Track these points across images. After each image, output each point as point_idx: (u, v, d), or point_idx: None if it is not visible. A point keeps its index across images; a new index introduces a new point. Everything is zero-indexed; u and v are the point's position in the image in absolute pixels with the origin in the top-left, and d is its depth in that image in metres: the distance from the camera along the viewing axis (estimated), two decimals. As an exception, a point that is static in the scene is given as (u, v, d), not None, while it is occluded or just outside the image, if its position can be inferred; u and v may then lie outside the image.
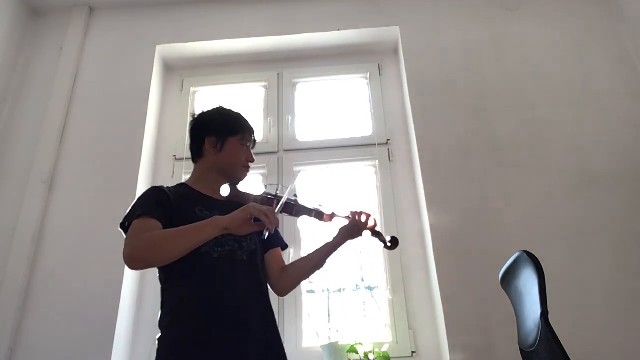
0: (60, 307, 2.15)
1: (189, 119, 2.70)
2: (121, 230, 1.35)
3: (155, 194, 1.40)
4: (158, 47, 2.76)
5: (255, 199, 1.44)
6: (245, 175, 1.55)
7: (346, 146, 2.61)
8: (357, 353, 1.99)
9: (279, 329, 2.02)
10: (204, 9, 2.85)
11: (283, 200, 1.39)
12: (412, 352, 2.14)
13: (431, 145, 2.38)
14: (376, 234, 1.55)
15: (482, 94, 2.51)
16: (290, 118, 2.69)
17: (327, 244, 1.52)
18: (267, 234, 1.24)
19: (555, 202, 2.24)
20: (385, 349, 2.02)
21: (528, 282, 1.31)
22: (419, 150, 2.37)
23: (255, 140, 1.60)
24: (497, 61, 2.59)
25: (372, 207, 2.49)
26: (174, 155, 2.63)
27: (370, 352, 1.99)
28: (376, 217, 1.58)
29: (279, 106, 2.73)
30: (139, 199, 1.39)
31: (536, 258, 1.30)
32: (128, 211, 1.36)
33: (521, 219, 2.20)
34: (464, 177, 2.31)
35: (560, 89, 2.50)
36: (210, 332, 1.26)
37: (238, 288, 1.34)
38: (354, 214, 1.53)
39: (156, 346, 1.30)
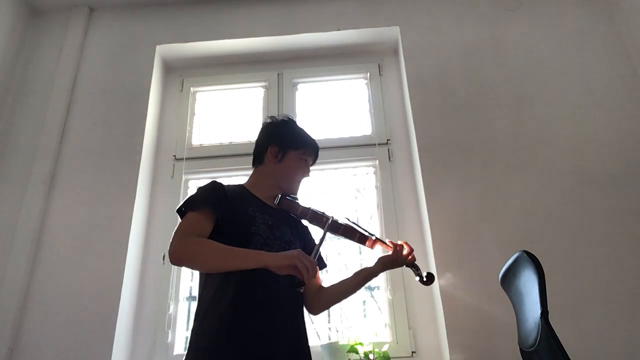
0: (60, 307, 2.15)
1: (189, 119, 2.71)
2: (177, 214, 1.41)
3: (216, 188, 1.44)
4: (158, 47, 2.76)
5: (305, 212, 1.51)
6: (298, 189, 1.60)
7: (346, 146, 2.61)
8: (357, 353, 1.99)
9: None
10: (204, 9, 2.86)
11: (331, 220, 1.48)
12: (412, 352, 2.14)
13: (431, 145, 2.38)
14: (414, 267, 1.57)
15: (482, 94, 2.51)
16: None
17: (364, 270, 1.57)
18: (302, 286, 1.31)
19: (555, 201, 2.24)
20: (385, 349, 2.02)
21: (528, 282, 1.31)
22: (419, 150, 2.37)
23: (316, 159, 1.66)
24: (497, 61, 2.59)
25: (371, 207, 2.50)
26: (174, 155, 2.63)
27: (370, 352, 1.99)
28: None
29: (279, 106, 2.73)
30: (201, 189, 1.44)
31: (536, 258, 1.30)
32: (188, 198, 1.41)
33: (521, 219, 2.20)
34: (464, 177, 2.31)
35: (560, 89, 2.51)
36: (246, 334, 1.28)
37: (279, 294, 1.37)
38: (395, 245, 1.56)
39: (189, 337, 1.33)
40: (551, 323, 1.18)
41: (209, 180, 1.50)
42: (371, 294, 2.34)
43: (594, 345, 1.93)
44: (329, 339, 2.21)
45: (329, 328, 2.30)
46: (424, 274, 1.56)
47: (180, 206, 1.40)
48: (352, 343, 2.01)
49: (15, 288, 2.16)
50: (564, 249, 2.13)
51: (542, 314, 1.19)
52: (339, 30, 2.74)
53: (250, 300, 1.33)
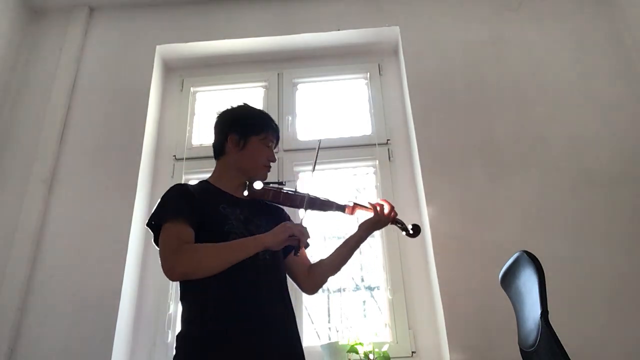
0: (60, 307, 2.15)
1: (189, 119, 2.71)
2: (148, 228, 1.36)
3: (182, 193, 1.39)
4: (158, 47, 2.76)
5: (277, 196, 1.48)
6: (266, 175, 1.55)
7: (346, 146, 2.61)
8: (357, 353, 1.99)
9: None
10: (204, 9, 2.86)
11: (308, 197, 1.45)
12: (412, 352, 2.14)
13: (431, 145, 2.38)
14: (398, 223, 1.57)
15: (482, 94, 2.51)
16: (290, 118, 2.69)
17: (351, 238, 1.56)
18: (299, 250, 1.33)
19: (555, 202, 2.24)
20: (385, 349, 2.02)
21: (528, 282, 1.31)
22: (419, 150, 2.37)
23: (278, 140, 1.61)
24: (497, 61, 2.59)
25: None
26: (174, 155, 2.63)
27: (370, 352, 1.99)
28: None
29: (279, 106, 2.73)
30: (167, 198, 1.38)
31: (536, 258, 1.30)
32: (156, 209, 1.36)
33: (521, 219, 2.20)
34: (463, 177, 2.31)
35: (560, 89, 2.51)
36: (233, 330, 1.27)
37: (262, 287, 1.35)
38: (374, 205, 1.55)
39: (174, 343, 1.31)
40: (551, 323, 1.18)
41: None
42: (371, 294, 2.35)
43: (594, 345, 1.93)
44: (329, 339, 2.21)
45: (329, 328, 2.30)
46: (410, 227, 1.56)
47: (151, 219, 1.35)
48: (352, 343, 2.01)
49: (15, 288, 2.16)
50: (564, 249, 2.13)
51: (542, 314, 1.19)
52: (339, 30, 2.74)
53: (235, 298, 1.30)
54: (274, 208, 1.57)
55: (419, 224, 1.59)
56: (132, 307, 2.28)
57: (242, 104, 1.62)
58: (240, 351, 1.25)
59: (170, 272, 1.25)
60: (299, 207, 1.48)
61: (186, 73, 2.88)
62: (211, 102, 2.87)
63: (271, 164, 1.56)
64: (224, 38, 2.76)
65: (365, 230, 1.55)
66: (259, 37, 2.76)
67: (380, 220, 1.54)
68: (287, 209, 1.59)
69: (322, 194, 1.53)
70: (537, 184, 2.28)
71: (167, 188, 1.42)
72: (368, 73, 2.82)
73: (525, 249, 1.36)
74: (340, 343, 2.02)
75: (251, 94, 2.85)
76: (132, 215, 2.31)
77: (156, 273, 2.37)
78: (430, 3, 2.78)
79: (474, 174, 2.32)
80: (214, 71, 2.89)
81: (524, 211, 2.22)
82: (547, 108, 2.46)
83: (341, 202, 1.54)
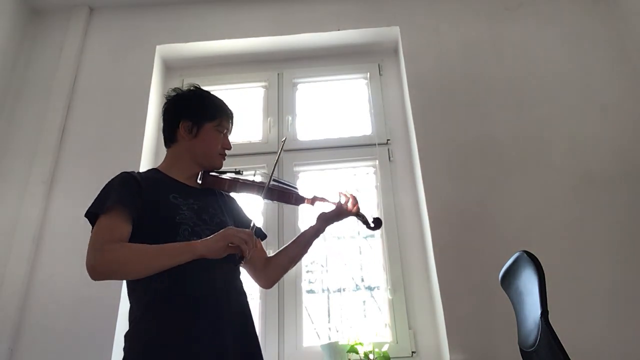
0: (60, 306, 2.14)
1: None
2: (86, 219, 1.27)
3: (126, 181, 1.30)
4: (158, 47, 2.76)
5: (232, 185, 1.41)
6: (221, 163, 1.47)
7: (346, 146, 2.61)
8: (357, 353, 1.99)
9: (279, 328, 2.02)
10: (204, 9, 2.86)
11: (267, 187, 1.38)
12: (412, 352, 2.14)
13: (431, 145, 2.38)
14: (360, 216, 1.53)
15: (482, 94, 2.51)
16: (290, 118, 2.69)
17: (308, 230, 1.50)
18: (242, 260, 1.19)
19: (555, 202, 2.24)
20: (385, 349, 2.02)
21: (528, 282, 1.31)
22: (419, 150, 2.37)
23: (232, 127, 1.52)
24: (497, 61, 2.59)
25: (371, 207, 2.49)
26: (174, 155, 2.63)
27: (370, 352, 1.99)
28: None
29: (279, 106, 2.73)
30: (109, 186, 1.29)
31: (536, 258, 1.30)
32: (96, 198, 1.27)
33: (521, 219, 2.20)
34: (464, 177, 2.31)
35: (560, 89, 2.50)
36: (187, 326, 1.19)
37: (216, 280, 1.27)
38: (339, 197, 1.50)
39: (123, 344, 1.22)
40: (551, 323, 1.18)
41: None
42: (371, 294, 2.34)
43: (594, 345, 1.93)
44: (329, 339, 2.21)
45: (329, 328, 2.30)
46: (370, 220, 1.52)
47: (89, 209, 1.26)
48: (352, 343, 2.01)
49: (15, 288, 2.16)
50: (564, 249, 2.13)
51: (542, 314, 1.19)
52: (339, 30, 2.74)
53: (187, 294, 1.22)
54: (229, 198, 1.51)
55: (381, 218, 1.55)
56: (132, 307, 2.27)
57: (194, 88, 1.51)
58: (194, 347, 1.17)
59: (91, 270, 1.16)
60: (255, 194, 1.40)
61: (186, 73, 2.88)
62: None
63: (227, 151, 1.48)
64: (223, 38, 2.76)
65: (324, 221, 1.49)
66: (259, 37, 2.76)
67: (341, 212, 1.49)
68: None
69: (284, 184, 1.47)
70: (537, 183, 2.28)
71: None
72: (368, 73, 2.82)
73: (525, 249, 1.36)
74: (340, 343, 2.02)
75: (251, 94, 2.85)
76: (132, 215, 2.31)
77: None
78: (430, 3, 2.78)
79: (473, 173, 2.32)
80: (214, 71, 2.89)
81: (524, 211, 2.22)
82: (547, 108, 2.46)
83: (301, 193, 1.47)
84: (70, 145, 2.52)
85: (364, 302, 2.34)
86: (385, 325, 2.24)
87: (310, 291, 2.36)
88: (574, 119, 2.42)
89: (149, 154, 2.57)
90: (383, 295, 2.30)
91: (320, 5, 2.82)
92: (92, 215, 1.26)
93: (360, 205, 1.52)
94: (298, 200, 1.47)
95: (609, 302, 2.04)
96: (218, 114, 1.46)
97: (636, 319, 2.01)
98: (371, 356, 1.98)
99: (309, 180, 2.62)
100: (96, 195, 1.29)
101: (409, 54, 2.64)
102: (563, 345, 1.13)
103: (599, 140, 2.37)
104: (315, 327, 2.29)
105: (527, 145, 2.37)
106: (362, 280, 2.37)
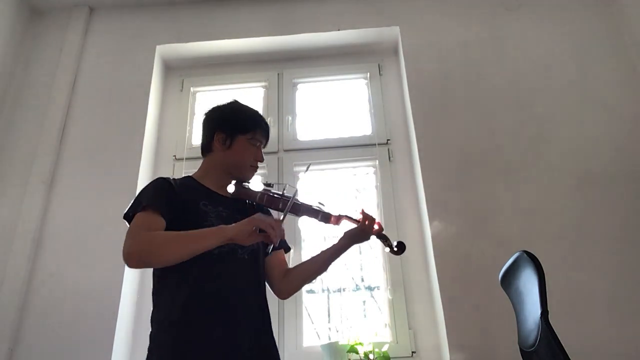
0: (60, 306, 2.15)
1: (189, 119, 2.71)
2: (125, 221, 1.33)
3: (161, 185, 1.37)
4: (158, 47, 2.76)
5: (262, 197, 1.43)
6: (252, 175, 1.52)
7: (346, 146, 2.61)
8: (357, 353, 1.99)
9: (279, 328, 2.02)
10: (204, 9, 2.86)
11: (290, 203, 1.39)
12: (412, 352, 2.14)
13: (431, 145, 2.38)
14: (383, 238, 1.53)
15: (482, 94, 2.51)
16: (290, 118, 2.69)
17: (331, 247, 1.50)
18: (272, 246, 1.26)
19: (555, 202, 2.24)
20: (385, 349, 2.02)
21: (528, 282, 1.31)
22: (419, 150, 2.37)
23: (267, 140, 1.57)
24: (497, 61, 2.59)
25: (371, 207, 2.49)
26: (174, 155, 2.63)
27: (370, 352, 1.99)
28: (379, 219, 1.55)
29: (279, 106, 2.73)
30: (145, 189, 1.36)
31: (536, 258, 1.30)
32: (133, 201, 1.34)
33: (521, 219, 2.20)
34: (464, 177, 2.31)
35: (560, 88, 2.50)
36: (205, 328, 1.25)
37: (237, 286, 1.33)
38: (361, 217, 1.50)
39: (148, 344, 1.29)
40: (551, 323, 1.18)
41: None
42: (371, 294, 2.34)
43: (594, 345, 1.93)
44: (329, 339, 2.21)
45: (329, 328, 2.30)
46: (394, 244, 1.52)
47: (127, 211, 1.32)
48: (352, 343, 2.01)
49: (15, 288, 2.16)
50: (564, 249, 2.13)
51: (542, 314, 1.19)
52: (339, 30, 2.74)
53: (208, 294, 1.28)
54: (258, 210, 1.53)
55: (404, 242, 1.53)
56: (132, 307, 2.28)
57: (232, 101, 1.59)
58: (210, 349, 1.23)
59: (126, 257, 1.20)
60: (281, 210, 1.42)
61: (186, 73, 2.89)
62: (211, 102, 2.84)
63: (259, 163, 1.52)
64: (223, 38, 2.76)
65: (348, 239, 1.49)
66: (259, 37, 2.76)
67: (364, 231, 1.48)
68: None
69: (309, 201, 1.48)
70: (537, 183, 2.28)
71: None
72: (368, 73, 2.82)
73: (525, 249, 1.36)
74: (340, 343, 2.02)
75: (251, 94, 2.85)
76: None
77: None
78: (430, 3, 2.78)
79: (473, 173, 2.32)
80: (214, 71, 2.89)
81: (524, 211, 2.22)
82: (547, 108, 2.46)
83: (327, 211, 1.48)
84: (70, 145, 2.52)
85: (364, 302, 2.34)
86: (385, 325, 2.24)
87: (310, 291, 2.36)
88: (574, 119, 2.42)
89: (149, 154, 2.57)
90: (383, 295, 2.30)
91: (320, 5, 2.82)
92: (129, 217, 1.32)
93: (382, 227, 1.52)
94: (325, 217, 1.48)
95: (609, 302, 2.04)
96: (251, 127, 1.51)
97: (636, 319, 2.01)
98: (371, 356, 1.98)
99: (309, 180, 2.62)
100: (132, 199, 1.36)
101: (409, 54, 2.64)
102: (563, 345, 1.13)
103: (599, 140, 2.37)
104: (315, 327, 2.29)
105: (527, 145, 2.37)
106: (362, 280, 2.37)
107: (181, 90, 2.84)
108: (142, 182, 2.45)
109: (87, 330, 2.09)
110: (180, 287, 1.29)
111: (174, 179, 1.42)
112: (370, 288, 2.35)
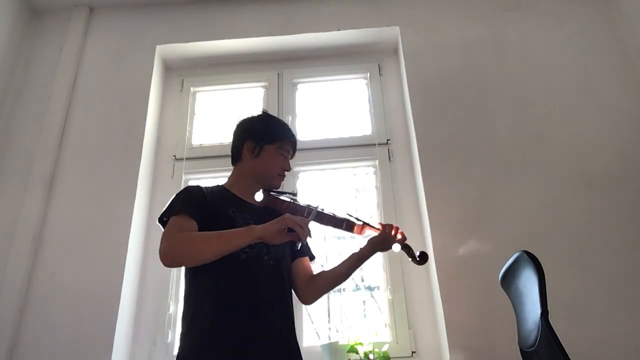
0: (60, 307, 2.14)
1: (189, 118, 2.71)
2: (159, 224, 1.41)
3: (193, 192, 1.45)
4: (158, 47, 2.76)
5: (288, 206, 1.49)
6: (279, 184, 1.58)
7: (346, 146, 2.61)
8: (357, 353, 1.99)
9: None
10: (204, 9, 2.86)
11: (315, 210, 1.45)
12: (412, 352, 2.14)
13: (431, 145, 2.38)
14: (405, 247, 1.57)
15: (482, 94, 2.51)
16: (290, 118, 2.69)
17: (354, 255, 1.55)
18: (300, 244, 1.31)
19: (555, 202, 2.24)
20: (385, 349, 2.02)
21: (528, 282, 1.31)
22: (419, 150, 2.37)
23: (295, 151, 1.63)
24: (497, 61, 2.59)
25: (371, 207, 2.49)
26: (174, 155, 2.63)
27: (370, 352, 1.99)
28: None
29: (279, 106, 2.73)
30: (178, 195, 1.44)
31: (536, 258, 1.30)
32: (166, 207, 1.41)
33: (521, 219, 2.20)
34: (464, 177, 2.31)
35: (560, 88, 2.50)
36: (230, 331, 1.30)
37: (262, 291, 1.38)
38: (384, 226, 1.56)
39: (177, 343, 1.35)
40: (551, 323, 1.18)
41: (209, 180, 1.50)
42: (371, 294, 2.35)
43: (594, 345, 1.93)
44: (329, 339, 2.21)
45: (329, 328, 2.30)
46: (417, 254, 1.55)
47: (161, 215, 1.41)
48: (352, 343, 2.01)
49: (15, 288, 2.16)
50: (564, 249, 2.13)
51: (542, 314, 1.19)
52: (339, 30, 2.74)
53: (236, 297, 1.34)
54: None
55: (426, 251, 1.57)
56: (132, 307, 2.28)
57: (263, 112, 1.67)
58: (234, 350, 1.28)
59: (163, 256, 1.28)
60: (306, 217, 1.45)
61: (186, 73, 2.88)
62: (211, 102, 2.87)
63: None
64: (224, 38, 2.76)
65: (372, 247, 1.54)
66: (259, 37, 2.76)
67: (386, 239, 1.54)
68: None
69: (332, 210, 1.53)
70: (537, 183, 2.28)
71: (167, 188, 1.44)
72: (368, 73, 2.82)
73: (525, 249, 1.36)
74: (340, 343, 2.02)
75: (251, 94, 2.85)
76: (132, 215, 2.31)
77: (156, 273, 2.37)
78: (430, 3, 2.78)
79: (474, 173, 2.32)
80: (214, 71, 2.89)
81: (524, 211, 2.22)
82: (547, 108, 2.46)
83: (351, 220, 1.54)
84: (70, 145, 2.52)
85: (364, 302, 2.34)
86: (385, 325, 2.24)
87: (310, 291, 2.36)
88: (574, 119, 2.42)
89: (149, 154, 2.57)
90: (383, 295, 2.30)
91: (320, 5, 2.82)
92: (163, 221, 1.40)
93: (405, 237, 1.57)
94: (348, 226, 1.54)
95: (609, 302, 2.04)
96: (279, 138, 1.57)
97: (636, 319, 2.01)
98: (371, 356, 1.98)
99: (309, 180, 2.62)
100: (166, 205, 1.43)
101: (409, 54, 2.64)
102: (563, 345, 1.13)
103: (599, 140, 2.37)
104: (315, 327, 2.29)
105: (527, 145, 2.37)
106: (362, 280, 2.37)
107: (181, 90, 2.84)
108: (142, 182, 2.45)
109: (87, 330, 2.09)
110: (205, 289, 1.36)
111: (205, 187, 1.50)
112: (370, 288, 2.35)
